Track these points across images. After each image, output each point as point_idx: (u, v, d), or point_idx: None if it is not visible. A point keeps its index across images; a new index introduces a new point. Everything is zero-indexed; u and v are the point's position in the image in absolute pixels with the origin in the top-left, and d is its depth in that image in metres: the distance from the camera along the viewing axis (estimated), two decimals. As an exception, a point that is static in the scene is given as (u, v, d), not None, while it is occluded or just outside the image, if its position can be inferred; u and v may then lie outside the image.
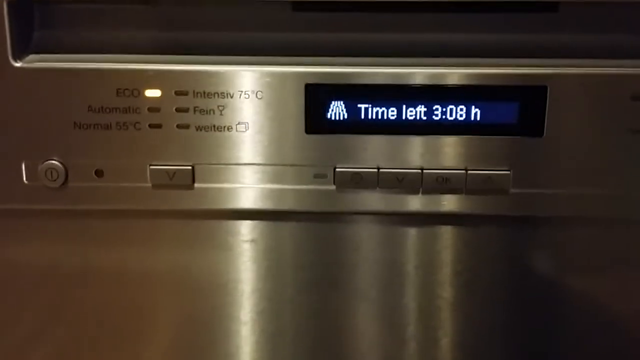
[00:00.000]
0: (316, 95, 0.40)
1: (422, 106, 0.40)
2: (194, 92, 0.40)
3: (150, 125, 0.40)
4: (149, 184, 0.41)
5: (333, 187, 0.41)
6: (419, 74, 0.39)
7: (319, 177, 0.41)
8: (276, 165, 0.41)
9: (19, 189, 0.41)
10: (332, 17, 0.40)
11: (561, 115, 0.39)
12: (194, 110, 0.40)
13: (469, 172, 0.40)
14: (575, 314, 0.45)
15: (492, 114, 0.40)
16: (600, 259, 0.44)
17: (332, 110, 0.40)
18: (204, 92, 0.40)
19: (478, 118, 0.40)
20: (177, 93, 0.40)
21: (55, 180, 0.41)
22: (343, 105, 0.40)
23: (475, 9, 0.40)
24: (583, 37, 0.40)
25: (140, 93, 0.40)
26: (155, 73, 0.39)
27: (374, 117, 0.40)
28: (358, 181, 0.41)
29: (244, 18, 0.41)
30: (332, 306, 0.45)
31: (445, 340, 0.45)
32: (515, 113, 0.40)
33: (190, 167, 0.41)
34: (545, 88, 0.39)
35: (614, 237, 0.43)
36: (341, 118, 0.40)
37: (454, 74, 0.39)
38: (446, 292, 0.44)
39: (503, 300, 0.45)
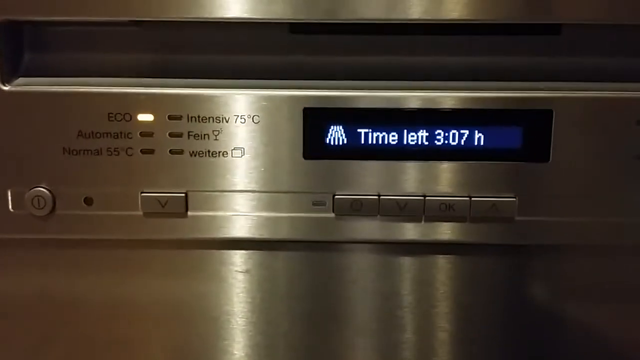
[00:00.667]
0: (314, 120, 0.38)
1: (424, 131, 0.39)
2: (188, 116, 0.38)
3: (142, 151, 0.39)
4: (140, 212, 0.39)
5: (332, 214, 0.40)
6: (420, 97, 0.38)
7: (317, 204, 0.40)
8: (273, 192, 0.39)
9: (5, 217, 0.40)
10: (330, 40, 0.39)
11: (567, 140, 0.38)
12: (188, 135, 0.39)
13: (473, 199, 0.39)
14: (579, 344, 0.43)
15: (496, 139, 0.39)
16: (606, 287, 0.42)
17: (331, 135, 0.39)
18: (199, 117, 0.38)
19: (482, 143, 0.39)
20: (171, 117, 0.38)
21: (42, 208, 0.40)
22: (342, 130, 0.39)
23: (478, 31, 0.39)
24: (586, 60, 0.39)
25: (132, 117, 0.38)
26: (147, 97, 0.38)
27: (374, 142, 0.39)
28: (358, 208, 0.40)
29: (240, 40, 0.40)
30: (328, 340, 0.44)
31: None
32: (520, 138, 0.38)
33: (183, 195, 0.39)
34: (550, 112, 0.38)
35: (622, 265, 0.42)
36: (340, 143, 0.39)
37: (456, 98, 0.38)
38: (448, 324, 0.43)
39: (505, 331, 0.43)
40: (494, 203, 0.39)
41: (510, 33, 0.39)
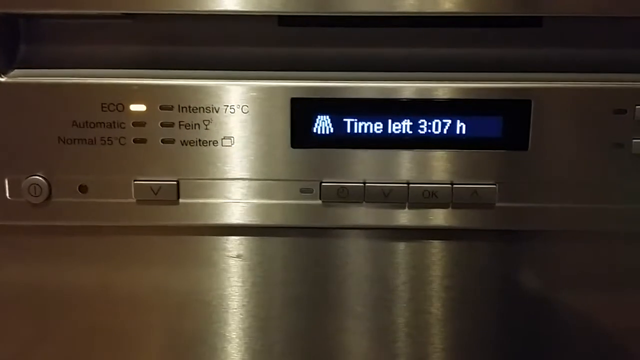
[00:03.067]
0: (302, 110, 0.40)
1: (408, 120, 0.40)
2: (179, 106, 0.39)
3: (135, 140, 0.40)
4: (134, 200, 0.41)
5: (319, 201, 0.41)
6: (404, 88, 0.40)
7: (305, 191, 0.41)
8: (262, 180, 0.41)
9: (2, 205, 0.41)
10: (318, 32, 0.40)
11: (545, 129, 0.39)
12: (179, 125, 0.40)
13: (455, 186, 0.40)
14: (563, 327, 0.44)
15: (478, 128, 0.40)
16: (586, 272, 0.43)
17: (318, 125, 0.40)
18: (189, 107, 0.39)
19: (464, 132, 0.40)
20: (162, 108, 0.40)
21: (38, 196, 0.41)
22: (329, 120, 0.40)
23: (460, 24, 0.40)
24: (567, 51, 0.41)
25: (125, 108, 0.40)
26: (140, 87, 0.39)
27: (360, 131, 0.40)
28: (344, 196, 0.41)
29: (229, 32, 0.41)
30: (319, 323, 0.45)
31: (435, 356, 0.45)
32: (500, 127, 0.40)
33: (175, 183, 0.41)
34: (529, 102, 0.39)
35: (600, 250, 0.43)
36: (327, 132, 0.40)
37: (439, 88, 0.39)
38: (434, 307, 0.44)
39: (491, 315, 0.45)
40: (475, 190, 0.40)
41: (492, 25, 0.40)
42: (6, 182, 0.41)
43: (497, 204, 0.41)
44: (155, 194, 0.41)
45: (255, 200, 0.41)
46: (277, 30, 0.40)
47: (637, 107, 0.39)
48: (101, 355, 0.45)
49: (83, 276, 0.44)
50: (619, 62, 0.40)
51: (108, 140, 0.40)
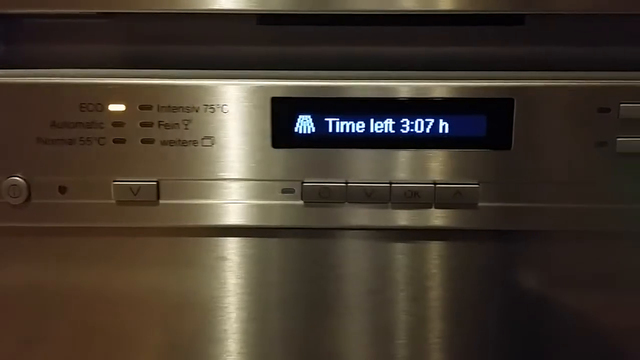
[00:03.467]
0: (282, 109, 0.39)
1: (390, 119, 0.40)
2: (158, 106, 0.39)
3: (114, 140, 0.40)
4: (113, 200, 0.40)
5: (301, 202, 0.41)
6: (386, 87, 0.39)
7: (286, 192, 0.40)
8: (243, 180, 0.40)
9: (-19, 206, 0.40)
10: (297, 30, 0.40)
11: (528, 128, 0.39)
12: (159, 125, 0.39)
13: (438, 186, 0.40)
14: (559, 328, 0.44)
15: (460, 127, 0.40)
16: (572, 271, 0.43)
17: (299, 124, 0.40)
18: (169, 106, 0.39)
19: (446, 131, 0.40)
20: (142, 107, 0.39)
21: (17, 197, 0.40)
22: (310, 119, 0.40)
23: (442, 21, 0.40)
24: (549, 49, 0.40)
25: (104, 108, 0.39)
26: (118, 87, 0.39)
27: (342, 130, 0.40)
28: (326, 196, 0.40)
29: (209, 31, 0.40)
30: (302, 324, 0.45)
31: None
32: (483, 126, 0.39)
33: (155, 183, 0.40)
34: (512, 101, 0.39)
35: (586, 250, 0.42)
36: (308, 132, 0.40)
37: (421, 87, 0.39)
38: (414, 308, 0.44)
39: (474, 316, 0.44)
40: (458, 190, 0.40)
41: (474, 23, 0.40)
42: (-15, 183, 0.40)
43: (481, 204, 0.40)
44: (135, 195, 0.40)
45: (236, 201, 0.41)
46: (256, 29, 0.40)
47: (622, 105, 0.39)
48: (87, 355, 0.45)
49: (62, 277, 0.43)
50: (603, 60, 0.40)
51: (87, 140, 0.40)
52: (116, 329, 0.44)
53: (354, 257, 0.43)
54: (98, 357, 0.45)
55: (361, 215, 0.41)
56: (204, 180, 0.40)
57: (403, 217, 0.41)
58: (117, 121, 0.39)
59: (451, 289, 0.43)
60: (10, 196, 0.40)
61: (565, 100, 0.39)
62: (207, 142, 0.40)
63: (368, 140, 0.40)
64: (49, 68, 0.40)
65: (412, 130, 0.40)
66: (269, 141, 0.40)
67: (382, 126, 0.40)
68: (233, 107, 0.39)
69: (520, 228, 0.41)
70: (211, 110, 0.39)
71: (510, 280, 0.44)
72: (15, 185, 0.40)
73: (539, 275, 0.43)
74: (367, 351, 0.45)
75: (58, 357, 0.45)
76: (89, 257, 0.43)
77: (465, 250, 0.43)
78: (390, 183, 0.40)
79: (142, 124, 0.39)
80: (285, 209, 0.41)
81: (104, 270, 0.43)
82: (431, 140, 0.40)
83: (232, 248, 0.43)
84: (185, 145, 0.40)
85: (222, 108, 0.39)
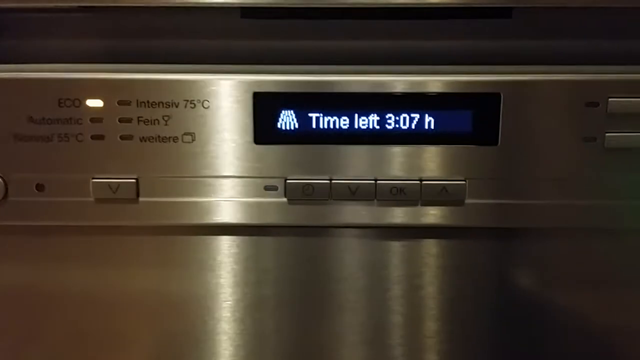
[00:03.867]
0: (265, 105, 0.38)
1: (375, 115, 0.39)
2: (137, 101, 0.38)
3: (92, 137, 0.39)
4: (92, 198, 0.39)
5: (284, 199, 0.40)
6: (370, 82, 0.38)
7: (269, 189, 0.40)
8: (224, 177, 0.39)
9: (-44, 204, 0.40)
10: (281, 24, 0.39)
11: (515, 123, 0.38)
12: (138, 121, 0.38)
13: (424, 182, 0.39)
14: (542, 323, 0.43)
15: (446, 123, 0.39)
16: (563, 268, 0.42)
17: (282, 120, 0.39)
18: (148, 102, 0.38)
19: (432, 127, 0.39)
20: (120, 103, 0.38)
21: (-6, 195, 0.40)
22: (293, 115, 0.39)
23: (428, 15, 0.39)
24: (537, 43, 0.40)
25: (82, 103, 0.38)
26: (96, 82, 0.38)
27: (325, 126, 0.39)
28: (310, 193, 0.40)
29: (190, 25, 0.39)
30: (289, 323, 0.44)
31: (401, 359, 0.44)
32: (469, 121, 0.39)
33: (134, 180, 0.39)
34: (498, 95, 0.38)
35: (575, 247, 0.42)
36: (292, 128, 0.39)
37: (406, 82, 0.38)
38: (401, 307, 0.43)
39: (460, 314, 0.43)
40: (444, 186, 0.39)
41: (460, 16, 0.39)
42: (-39, 181, 0.39)
43: (467, 201, 0.39)
44: (114, 193, 0.39)
45: (217, 199, 0.40)
46: (239, 22, 0.39)
47: (610, 99, 0.38)
48: (71, 354, 0.44)
49: (39, 276, 0.42)
50: (591, 54, 0.39)
51: (65, 137, 0.39)
52: (97, 328, 0.43)
53: (342, 255, 0.43)
54: (81, 356, 0.44)
55: (346, 213, 0.40)
56: (184, 177, 0.39)
57: (389, 215, 0.40)
58: (95, 117, 0.38)
59: (438, 286, 0.43)
60: (-13, 194, 0.40)
61: (553, 95, 0.38)
62: (187, 138, 0.39)
63: (352, 136, 0.39)
64: (25, 63, 0.39)
65: (397, 126, 0.39)
66: (251, 137, 0.39)
67: (366, 122, 0.39)
68: (214, 102, 0.38)
69: (507, 225, 0.40)
70: (192, 105, 0.38)
71: (500, 277, 0.43)
72: (-9, 183, 0.40)
73: (529, 271, 0.43)
74: (354, 349, 0.44)
75: (40, 356, 0.44)
76: (68, 256, 0.42)
77: (454, 248, 0.42)
78: (376, 180, 0.39)
79: (121, 120, 0.38)
80: (268, 206, 0.40)
81: (83, 269, 0.42)
82: (417, 136, 0.39)
83: (214, 246, 0.42)
84: (165, 142, 0.39)
85: (202, 103, 0.38)
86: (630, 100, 0.38)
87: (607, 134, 0.38)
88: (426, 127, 0.39)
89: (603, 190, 0.39)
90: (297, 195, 0.40)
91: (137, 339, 0.44)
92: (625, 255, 0.42)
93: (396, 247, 0.42)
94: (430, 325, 0.43)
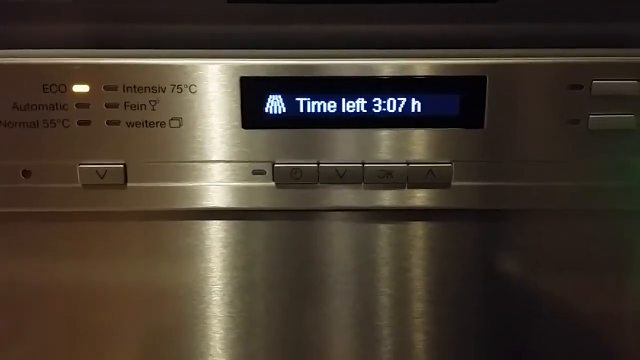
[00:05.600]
0: (252, 89, 0.38)
1: (362, 99, 0.39)
2: (124, 86, 0.38)
3: (79, 122, 0.38)
4: (79, 184, 0.39)
5: (272, 183, 0.40)
6: (357, 66, 0.38)
7: (257, 173, 0.40)
8: (212, 162, 0.39)
9: (-59, 191, 0.39)
10: (267, 8, 0.39)
11: (501, 106, 0.39)
12: (125, 106, 0.38)
13: (411, 165, 0.40)
14: (529, 304, 0.44)
15: (432, 106, 0.39)
16: (550, 250, 0.43)
17: (270, 104, 0.39)
18: (135, 87, 0.38)
19: (419, 110, 0.39)
20: (107, 88, 0.38)
21: (-20, 182, 0.39)
22: (281, 99, 0.39)
23: (414, -1, 0.39)
24: (522, 26, 0.40)
25: (68, 89, 0.38)
26: (82, 67, 0.38)
27: (313, 110, 0.39)
28: (298, 177, 0.40)
29: (177, 10, 0.39)
30: (272, 308, 0.44)
31: (390, 340, 0.44)
32: (455, 104, 0.39)
33: (122, 166, 0.39)
34: (484, 78, 0.38)
35: (561, 227, 0.42)
36: (279, 112, 0.39)
37: (392, 66, 0.38)
38: (389, 289, 0.43)
39: (447, 297, 0.44)
40: (430, 169, 0.40)
41: (447, 1, 0.39)
42: (-55, 168, 0.39)
43: (453, 183, 0.40)
44: (102, 178, 0.39)
45: (205, 183, 0.40)
46: (225, 7, 0.39)
47: (594, 82, 0.39)
48: (42, 347, 0.44)
49: (26, 264, 0.42)
50: (575, 37, 0.40)
51: (51, 122, 0.38)
52: (85, 315, 0.43)
53: (330, 238, 0.43)
54: (69, 344, 0.44)
55: (334, 196, 0.40)
56: (172, 162, 0.39)
57: (376, 198, 0.40)
58: (82, 102, 0.38)
59: (426, 268, 0.43)
60: (-27, 181, 0.39)
61: (538, 78, 0.39)
62: (174, 123, 0.39)
63: (340, 120, 0.39)
64: (9, 48, 0.38)
65: (384, 109, 0.39)
66: (238, 122, 0.39)
67: (354, 106, 0.39)
68: (201, 87, 0.38)
69: (493, 207, 0.41)
70: (179, 90, 0.38)
71: (487, 259, 0.43)
72: (-23, 169, 0.39)
73: (515, 253, 0.43)
74: (343, 330, 0.44)
75: (29, 343, 0.44)
76: (56, 242, 0.42)
77: (441, 230, 0.42)
78: (363, 163, 0.40)
79: (108, 105, 0.38)
80: (256, 190, 0.40)
81: (71, 255, 0.42)
82: (404, 120, 0.39)
83: (203, 231, 0.42)
84: (152, 127, 0.39)
85: (189, 88, 0.38)
86: (614, 83, 0.39)
87: (590, 116, 0.39)
88: (413, 110, 0.39)
89: (587, 172, 0.40)
90: (285, 179, 0.40)
91: (126, 325, 0.44)
92: (609, 236, 0.42)
93: (384, 230, 0.43)
94: (418, 306, 0.44)
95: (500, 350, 0.45)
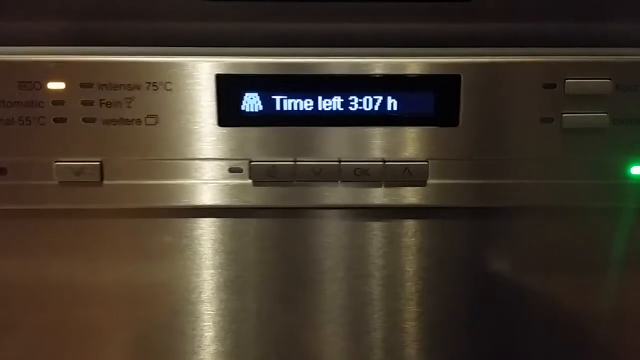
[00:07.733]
0: (228, 87, 0.38)
1: (339, 97, 0.39)
2: (99, 84, 0.38)
3: (54, 120, 0.38)
4: (55, 182, 0.39)
5: (249, 181, 0.40)
6: (334, 64, 0.39)
7: (234, 171, 0.40)
8: (188, 159, 0.39)
9: None
10: (243, 6, 0.39)
11: (475, 105, 0.39)
12: (100, 103, 0.38)
13: (387, 163, 0.40)
14: (518, 303, 0.44)
15: (408, 104, 0.39)
16: (525, 246, 0.43)
17: (246, 102, 0.39)
18: (110, 84, 0.38)
19: (395, 108, 0.39)
20: (82, 85, 0.38)
21: (-45, 179, 0.39)
22: (257, 97, 0.39)
23: (389, -3, 0.39)
24: (496, 25, 0.40)
25: (43, 86, 0.38)
26: (57, 64, 0.38)
27: (289, 108, 0.39)
28: (274, 175, 0.40)
29: (153, 7, 0.39)
30: (251, 306, 0.44)
31: (375, 336, 0.45)
32: (430, 103, 0.39)
33: (98, 163, 0.39)
34: (458, 77, 0.39)
35: (537, 224, 0.43)
36: (255, 110, 0.39)
37: (369, 64, 0.39)
38: (367, 287, 0.44)
39: (422, 294, 0.44)
40: (407, 167, 0.40)
41: (422, -1, 0.40)
42: None
43: (429, 181, 0.40)
44: (78, 176, 0.39)
45: (181, 181, 0.40)
46: (201, 4, 0.39)
47: (567, 81, 0.39)
48: (26, 345, 0.44)
49: (7, 261, 0.42)
50: (549, 36, 0.40)
51: (26, 120, 0.38)
52: (65, 316, 0.43)
53: (307, 236, 0.43)
54: (52, 345, 0.44)
55: (311, 194, 0.40)
56: (148, 160, 0.39)
57: (353, 196, 0.40)
58: (57, 100, 0.38)
59: (402, 265, 0.43)
60: (-53, 179, 0.39)
61: (511, 77, 0.39)
62: (150, 120, 0.39)
63: (316, 118, 0.39)
64: (-16, 45, 0.39)
65: (360, 107, 0.39)
66: (214, 120, 0.39)
67: (330, 104, 0.39)
68: (177, 84, 0.38)
69: (468, 205, 0.41)
70: (154, 88, 0.38)
71: (464, 255, 0.43)
72: (-48, 167, 0.39)
73: (494, 250, 0.44)
74: (322, 329, 0.44)
75: (12, 346, 0.44)
76: (32, 240, 0.42)
77: (418, 227, 0.43)
78: (340, 161, 0.40)
79: (83, 103, 0.38)
80: (233, 188, 0.40)
81: (48, 253, 0.42)
82: (379, 118, 0.39)
83: (180, 229, 0.42)
84: (128, 124, 0.39)
85: (165, 86, 0.38)
86: (587, 82, 0.39)
87: (564, 115, 0.39)
88: (389, 108, 0.39)
89: (561, 170, 0.40)
90: (262, 177, 0.40)
91: (106, 324, 0.44)
92: (584, 233, 0.43)
93: (361, 228, 0.43)
94: (396, 305, 0.44)
95: (489, 346, 0.45)
